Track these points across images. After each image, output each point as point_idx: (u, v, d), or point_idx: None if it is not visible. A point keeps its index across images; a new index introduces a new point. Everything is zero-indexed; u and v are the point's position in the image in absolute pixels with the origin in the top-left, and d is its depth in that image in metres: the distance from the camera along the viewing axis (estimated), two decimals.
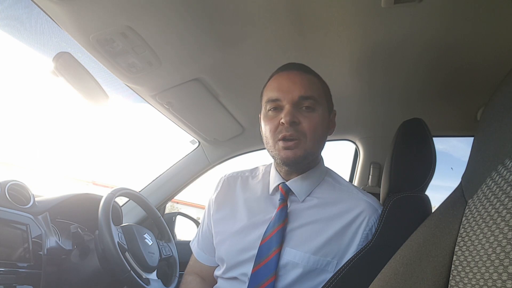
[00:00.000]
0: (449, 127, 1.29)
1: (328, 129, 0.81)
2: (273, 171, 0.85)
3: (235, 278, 0.79)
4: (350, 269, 0.68)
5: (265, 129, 0.78)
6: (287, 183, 0.80)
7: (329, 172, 0.86)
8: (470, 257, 0.37)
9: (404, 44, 0.83)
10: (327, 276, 0.72)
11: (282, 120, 0.72)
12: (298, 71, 0.77)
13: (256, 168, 0.95)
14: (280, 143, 0.74)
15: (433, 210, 0.62)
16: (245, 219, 0.82)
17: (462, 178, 0.49)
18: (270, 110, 0.77)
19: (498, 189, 0.37)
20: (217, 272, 0.85)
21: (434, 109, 1.17)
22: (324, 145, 0.81)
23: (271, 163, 0.89)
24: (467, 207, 0.42)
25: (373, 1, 0.69)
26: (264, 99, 0.79)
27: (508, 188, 0.35)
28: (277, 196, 0.81)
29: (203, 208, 0.97)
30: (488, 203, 0.38)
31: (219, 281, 0.84)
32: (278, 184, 0.81)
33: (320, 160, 0.84)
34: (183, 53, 0.87)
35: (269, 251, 0.73)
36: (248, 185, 0.89)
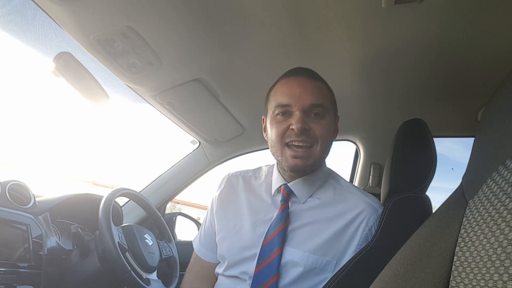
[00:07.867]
0: (450, 128, 1.29)
1: (334, 135, 0.81)
2: (275, 172, 0.86)
3: (235, 277, 0.79)
4: (351, 270, 0.68)
5: (272, 132, 0.77)
6: (289, 184, 0.80)
7: (331, 174, 0.86)
8: (471, 257, 0.37)
9: (405, 44, 0.83)
10: (326, 275, 0.72)
11: (293, 127, 0.72)
12: (308, 78, 0.77)
13: (259, 168, 0.95)
14: (289, 151, 0.74)
15: (433, 211, 0.62)
16: (247, 218, 0.82)
17: (462, 178, 0.49)
18: (278, 114, 0.76)
19: (498, 190, 0.37)
20: (218, 269, 0.86)
21: (435, 109, 1.17)
22: (329, 151, 0.81)
23: (274, 164, 0.89)
24: (467, 207, 0.42)
25: (373, 2, 0.69)
26: (273, 103, 0.78)
27: (509, 189, 0.35)
28: (279, 197, 0.81)
29: (204, 209, 0.97)
30: (488, 204, 0.38)
31: (220, 278, 0.85)
32: (280, 186, 0.81)
33: (323, 162, 0.84)
34: (183, 54, 0.87)
35: (271, 251, 0.74)
36: (251, 185, 0.90)
